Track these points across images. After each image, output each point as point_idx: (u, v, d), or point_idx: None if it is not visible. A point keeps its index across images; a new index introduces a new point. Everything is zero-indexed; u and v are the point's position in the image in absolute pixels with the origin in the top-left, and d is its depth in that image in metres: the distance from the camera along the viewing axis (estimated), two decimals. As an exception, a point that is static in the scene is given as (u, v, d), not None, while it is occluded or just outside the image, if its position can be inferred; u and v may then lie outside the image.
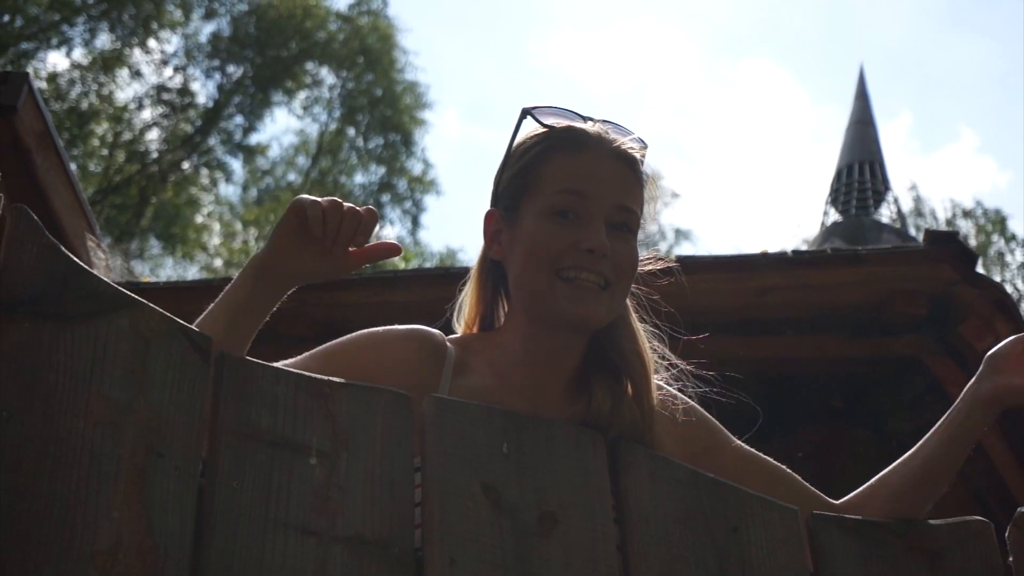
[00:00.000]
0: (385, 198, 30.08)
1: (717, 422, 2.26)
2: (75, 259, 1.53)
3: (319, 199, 1.90)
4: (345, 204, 1.91)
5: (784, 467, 2.26)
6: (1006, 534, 1.99)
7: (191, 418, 1.55)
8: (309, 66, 29.09)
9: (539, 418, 1.82)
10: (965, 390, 2.22)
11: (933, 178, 52.41)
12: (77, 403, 1.45)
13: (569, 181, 2.13)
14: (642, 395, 2.13)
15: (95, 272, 1.55)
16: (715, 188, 56.51)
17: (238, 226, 29.49)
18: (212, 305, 1.97)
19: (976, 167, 51.81)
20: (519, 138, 2.22)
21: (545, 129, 2.19)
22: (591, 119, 2.21)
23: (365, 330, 2.01)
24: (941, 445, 2.21)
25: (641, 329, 2.23)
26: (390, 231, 29.95)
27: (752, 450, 2.26)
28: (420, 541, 1.64)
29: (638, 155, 2.20)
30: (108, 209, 25.97)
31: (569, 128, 2.18)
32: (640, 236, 2.23)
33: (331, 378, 1.70)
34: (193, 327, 1.71)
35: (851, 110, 20.70)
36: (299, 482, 1.59)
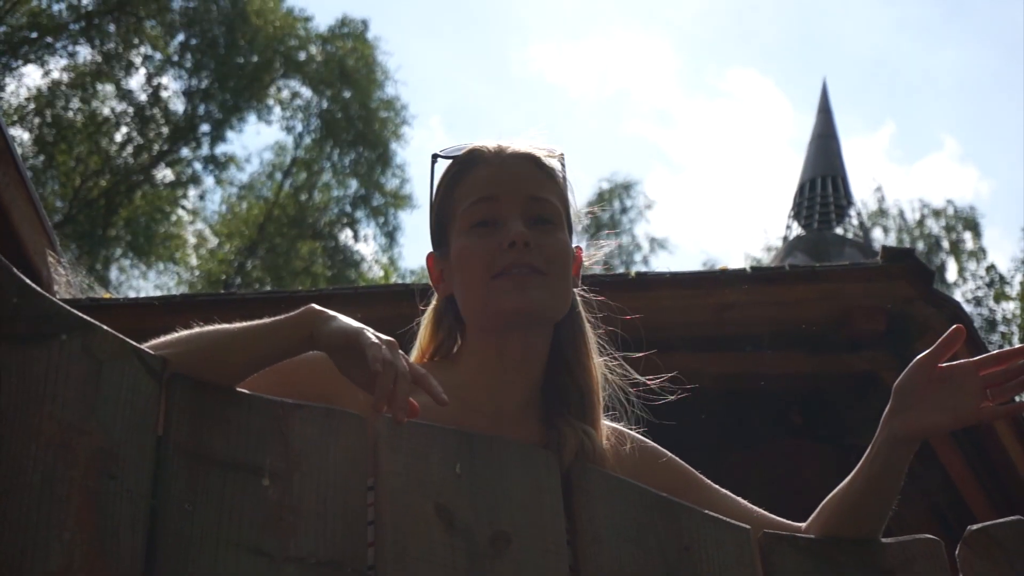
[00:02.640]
0: (360, 213, 30.15)
1: (682, 463, 2.27)
2: (28, 281, 1.52)
3: (382, 346, 1.75)
4: (399, 364, 1.75)
5: (755, 508, 2.24)
6: (956, 552, 2.01)
7: (144, 440, 1.55)
8: (286, 81, 29.12)
9: (492, 437, 1.83)
10: (882, 426, 2.17)
11: (916, 187, 52.86)
12: (29, 425, 1.44)
13: (477, 192, 2.20)
14: (592, 423, 2.17)
15: (47, 294, 1.55)
16: (699, 195, 56.91)
17: (212, 238, 29.47)
18: (233, 335, 1.84)
19: (958, 175, 52.26)
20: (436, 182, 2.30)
21: (450, 162, 2.26)
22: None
23: None
24: (868, 483, 2.13)
25: (595, 353, 2.26)
26: (365, 247, 30.07)
27: (725, 492, 2.25)
28: (373, 559, 1.65)
29: (540, 153, 2.26)
30: (82, 223, 25.92)
31: (468, 152, 2.26)
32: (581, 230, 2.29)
33: (284, 399, 1.70)
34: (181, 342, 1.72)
35: (814, 124, 20.83)
36: (252, 503, 1.59)
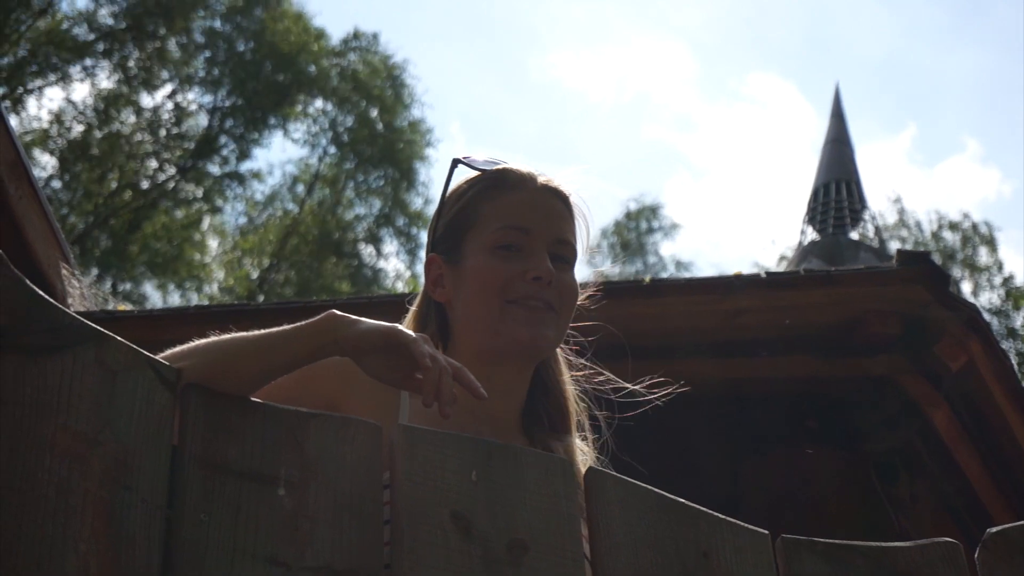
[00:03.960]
0: (384, 231, 30.25)
1: None
2: (40, 292, 1.52)
3: (423, 341, 1.82)
4: (441, 358, 1.82)
5: None
6: (975, 555, 1.99)
7: (158, 450, 1.55)
8: (308, 98, 29.23)
9: (508, 445, 1.83)
10: None
11: (938, 189, 52.81)
12: (43, 436, 1.44)
13: (511, 218, 2.20)
14: (565, 437, 2.23)
15: (60, 306, 1.54)
16: (722, 201, 56.98)
17: (236, 253, 29.52)
18: (249, 343, 1.85)
19: (981, 177, 52.19)
20: (452, 185, 2.29)
21: (478, 173, 2.26)
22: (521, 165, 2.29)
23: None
24: None
25: (566, 373, 2.31)
26: (387, 264, 30.13)
27: None
28: (389, 558, 1.64)
29: (571, 193, 2.27)
30: (103, 242, 26.05)
31: (502, 170, 2.26)
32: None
33: (299, 408, 1.70)
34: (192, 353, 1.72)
35: (827, 129, 20.82)
36: (268, 513, 1.59)
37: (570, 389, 2.30)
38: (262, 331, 1.85)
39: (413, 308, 2.31)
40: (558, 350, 2.31)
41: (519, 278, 2.15)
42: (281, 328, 1.84)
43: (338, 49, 29.56)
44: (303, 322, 1.85)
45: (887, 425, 6.64)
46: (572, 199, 2.29)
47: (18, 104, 25.75)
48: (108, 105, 26.63)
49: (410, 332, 1.81)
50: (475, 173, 2.28)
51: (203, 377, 1.68)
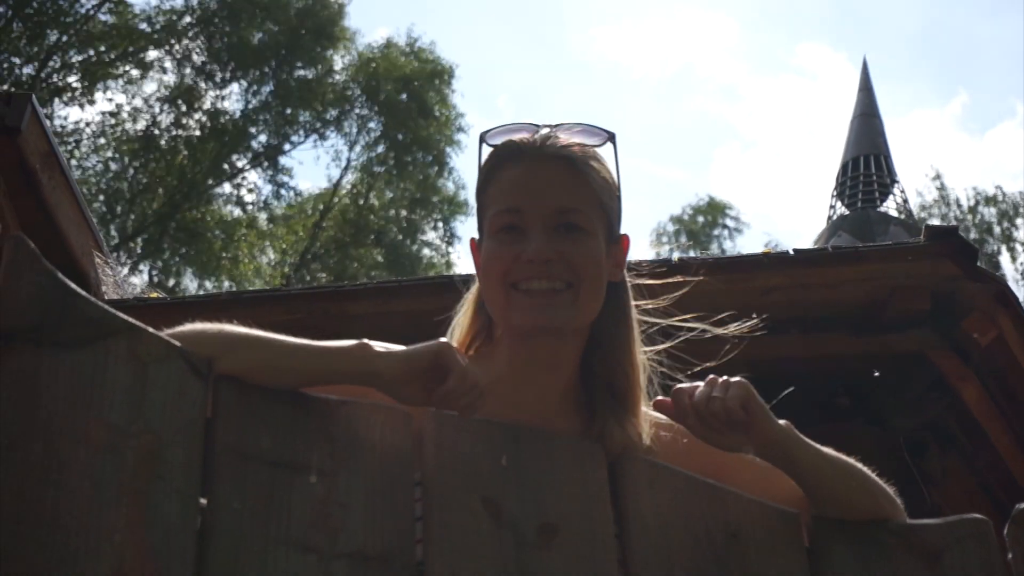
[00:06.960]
0: (416, 216, 30.35)
1: None
2: (73, 286, 1.54)
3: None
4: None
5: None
6: (1005, 531, 2.00)
7: (191, 440, 1.56)
8: (343, 86, 29.40)
9: (536, 430, 1.84)
10: None
11: (988, 155, 52.35)
12: (77, 429, 1.46)
13: (504, 200, 2.13)
14: (628, 413, 2.14)
15: (92, 298, 1.56)
16: (772, 171, 56.67)
17: (267, 242, 29.62)
18: (289, 350, 1.80)
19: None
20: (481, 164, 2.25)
21: (491, 150, 2.21)
22: (543, 126, 2.20)
23: None
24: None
25: (638, 341, 2.23)
26: (425, 252, 30.21)
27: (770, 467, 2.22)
28: (422, 555, 1.66)
29: (580, 150, 2.18)
30: (143, 235, 26.31)
31: (505, 143, 2.18)
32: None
33: (329, 396, 1.71)
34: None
35: (855, 103, 20.64)
36: (300, 500, 1.60)
37: (634, 363, 2.20)
38: (297, 340, 1.83)
39: (473, 290, 2.28)
40: (632, 319, 2.22)
41: (516, 262, 2.09)
42: (314, 343, 1.82)
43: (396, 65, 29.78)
44: (334, 344, 1.83)
45: (917, 401, 6.62)
46: (580, 157, 2.17)
47: (77, 100, 26.12)
48: (166, 102, 26.96)
49: (454, 353, 1.82)
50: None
51: (249, 372, 1.68)
